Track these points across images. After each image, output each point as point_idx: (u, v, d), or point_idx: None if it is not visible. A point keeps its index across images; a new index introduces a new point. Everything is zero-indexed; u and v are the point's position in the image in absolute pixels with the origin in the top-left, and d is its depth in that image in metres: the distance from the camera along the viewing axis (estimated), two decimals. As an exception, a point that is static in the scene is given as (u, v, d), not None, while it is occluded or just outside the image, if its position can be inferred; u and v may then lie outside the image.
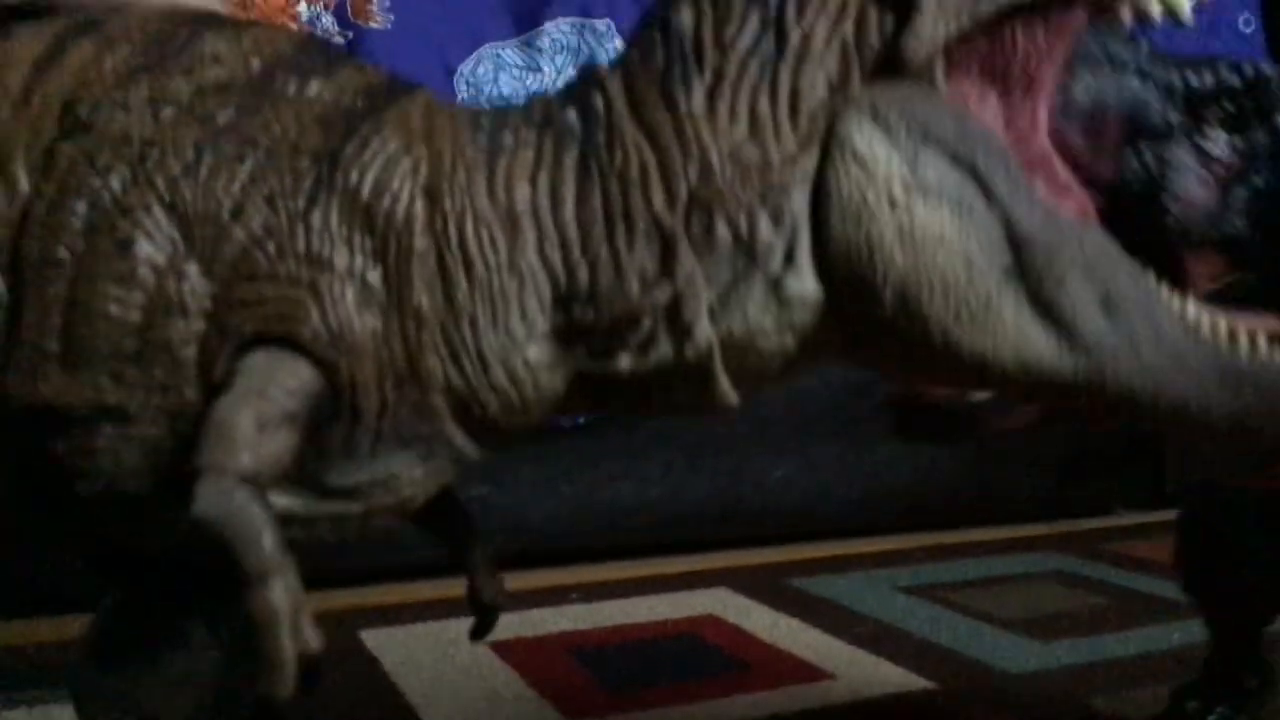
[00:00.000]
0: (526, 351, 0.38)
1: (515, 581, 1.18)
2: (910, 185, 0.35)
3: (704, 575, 1.16)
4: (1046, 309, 0.34)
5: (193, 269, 0.37)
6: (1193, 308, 0.35)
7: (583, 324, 0.38)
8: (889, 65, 0.36)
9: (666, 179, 0.37)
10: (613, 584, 1.13)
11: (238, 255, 0.37)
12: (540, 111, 0.40)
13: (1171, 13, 0.36)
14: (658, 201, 0.37)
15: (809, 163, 0.36)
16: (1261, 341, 0.35)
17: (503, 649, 0.93)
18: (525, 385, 0.39)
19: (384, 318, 0.38)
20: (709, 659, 0.91)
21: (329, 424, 0.38)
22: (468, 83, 1.20)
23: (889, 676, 0.84)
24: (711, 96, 0.37)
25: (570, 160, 0.38)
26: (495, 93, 1.21)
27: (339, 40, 1.18)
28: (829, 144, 0.36)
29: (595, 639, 0.96)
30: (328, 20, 1.21)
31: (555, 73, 1.21)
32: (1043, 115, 0.37)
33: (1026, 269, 0.34)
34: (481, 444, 0.42)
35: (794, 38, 0.37)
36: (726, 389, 0.38)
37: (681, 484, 1.21)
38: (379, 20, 1.20)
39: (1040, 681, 0.84)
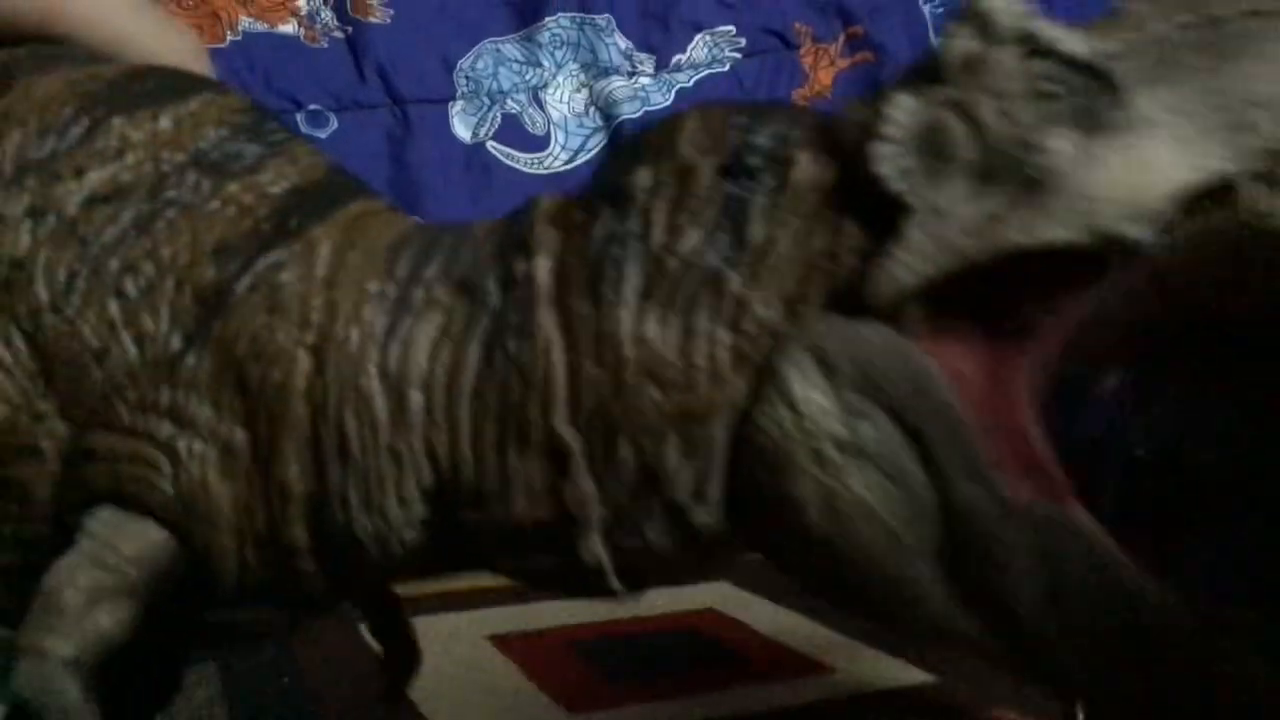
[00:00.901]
0: (403, 535, 0.35)
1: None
2: (845, 446, 0.30)
3: (704, 570, 1.16)
4: (979, 598, 0.29)
5: (50, 410, 0.35)
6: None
7: (464, 521, 0.34)
8: (852, 298, 0.30)
9: (573, 386, 0.32)
10: (612, 578, 1.12)
11: (97, 402, 0.34)
12: (463, 266, 0.34)
13: None
14: (559, 413, 0.32)
15: (737, 392, 0.31)
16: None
17: (502, 642, 0.92)
18: (396, 563, 0.36)
19: (248, 486, 0.35)
20: (709, 652, 0.91)
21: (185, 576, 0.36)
22: (467, 77, 1.21)
23: (891, 670, 0.83)
24: (646, 294, 0.31)
25: (479, 337, 0.33)
26: (495, 86, 1.21)
27: (338, 35, 1.18)
28: (764, 377, 0.30)
29: (595, 632, 0.96)
30: (327, 15, 1.21)
31: (555, 67, 1.22)
32: (1032, 375, 0.30)
33: (961, 554, 0.29)
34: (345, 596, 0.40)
35: (755, 241, 0.31)
36: (616, 586, 0.36)
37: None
38: (378, 14, 1.20)
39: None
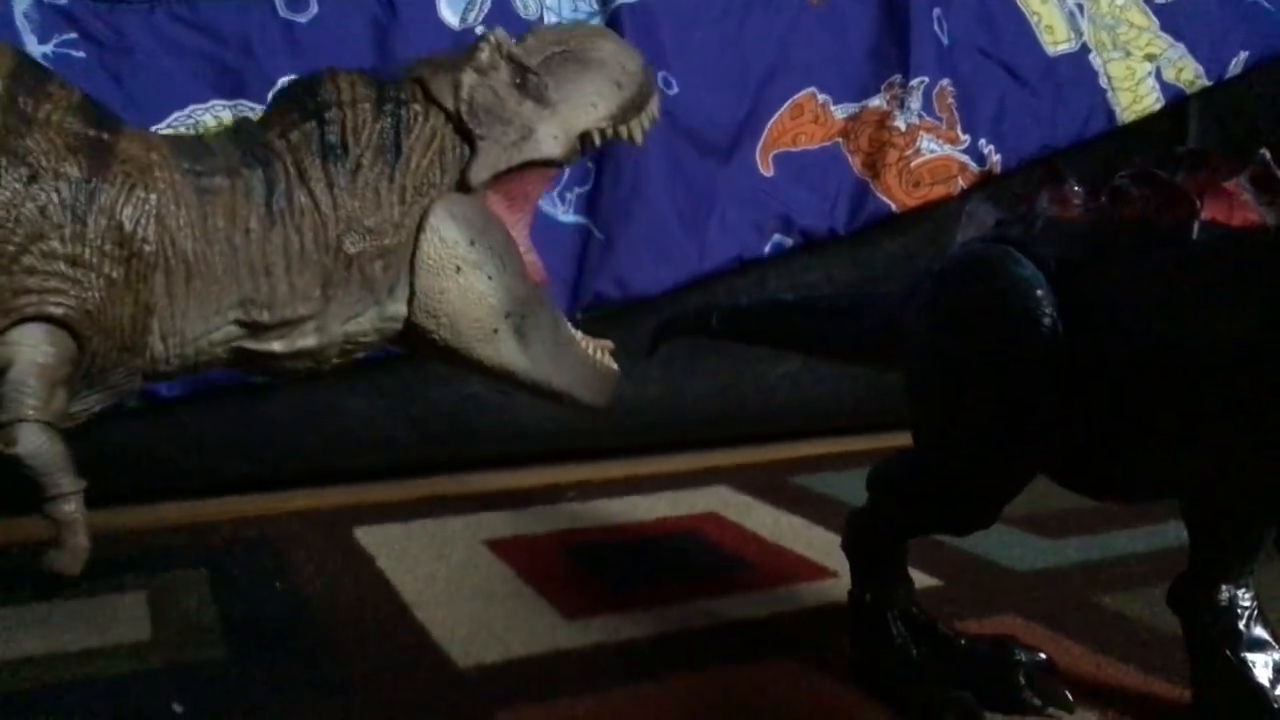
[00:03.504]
0: (214, 334, 0.57)
1: (511, 480, 1.17)
2: (466, 259, 0.60)
3: (704, 473, 1.15)
4: (519, 336, 0.61)
5: None
6: (579, 336, 0.64)
7: (257, 320, 0.57)
8: (459, 182, 0.61)
9: (324, 233, 0.57)
10: (611, 483, 1.11)
11: (19, 252, 0.51)
12: (225, 163, 0.57)
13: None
14: (320, 249, 0.57)
15: (408, 234, 0.59)
16: (607, 357, 0.67)
17: (499, 547, 0.91)
18: (204, 354, 0.57)
19: (123, 306, 0.54)
20: (709, 557, 0.89)
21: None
22: None
23: (893, 574, 0.82)
24: (354, 177, 0.58)
25: (258, 209, 0.57)
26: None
27: None
28: (424, 223, 0.59)
29: (593, 537, 0.95)
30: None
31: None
32: (527, 220, 0.65)
33: (514, 314, 0.61)
34: (149, 385, 0.61)
35: (404, 150, 0.59)
36: (327, 366, 0.59)
37: (681, 382, 1.19)
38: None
39: (1048, 579, 0.83)
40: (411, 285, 0.59)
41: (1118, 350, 0.51)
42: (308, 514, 1.02)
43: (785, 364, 1.22)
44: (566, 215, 1.12)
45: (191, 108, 1.03)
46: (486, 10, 1.11)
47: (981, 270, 0.57)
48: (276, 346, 0.58)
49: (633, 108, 0.68)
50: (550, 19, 1.12)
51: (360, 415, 1.08)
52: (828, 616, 0.75)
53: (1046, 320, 0.53)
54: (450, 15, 1.10)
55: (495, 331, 0.60)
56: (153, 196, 0.55)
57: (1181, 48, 1.37)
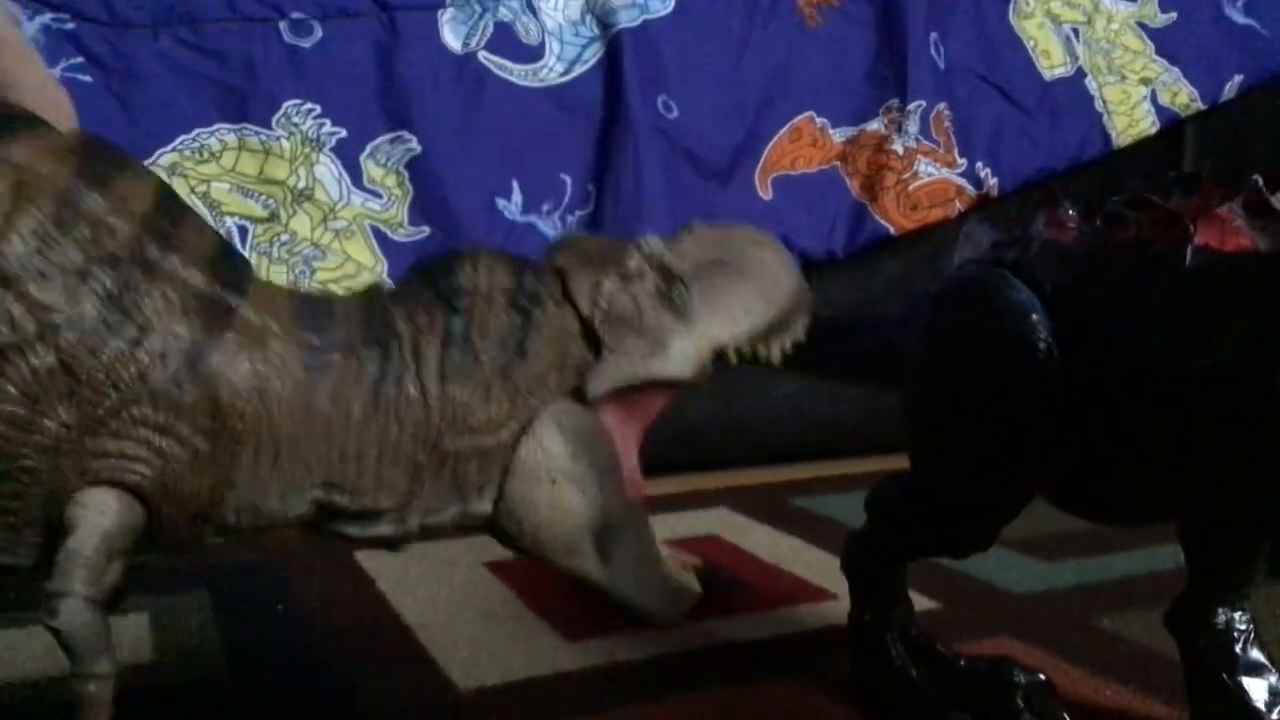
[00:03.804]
0: (290, 515, 0.53)
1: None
2: (564, 471, 0.55)
3: (704, 495, 1.15)
4: (604, 556, 0.57)
5: (71, 419, 0.48)
6: (665, 552, 0.60)
7: (338, 505, 0.54)
8: (576, 389, 0.56)
9: (426, 426, 0.53)
10: (611, 503, 1.11)
11: (107, 414, 0.49)
12: (345, 337, 0.54)
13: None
14: (417, 441, 0.54)
15: (510, 436, 0.55)
16: (690, 576, 0.61)
17: (499, 569, 0.91)
18: (278, 531, 0.54)
19: (202, 479, 0.51)
20: (709, 578, 0.89)
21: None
22: None
23: (892, 596, 0.83)
24: (469, 371, 0.54)
25: (366, 389, 0.53)
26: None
27: None
28: (528, 429, 0.55)
29: (593, 558, 0.95)
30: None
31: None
32: (639, 436, 0.61)
33: (603, 535, 0.57)
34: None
35: (528, 350, 0.55)
36: (399, 549, 0.57)
37: (682, 403, 1.19)
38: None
39: (1045, 601, 0.83)
40: (501, 487, 0.55)
41: (1112, 373, 0.52)
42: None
43: (785, 385, 1.23)
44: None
45: (196, 131, 1.04)
46: (489, 35, 1.12)
47: (977, 294, 0.58)
48: (351, 530, 0.55)
49: (779, 327, 0.62)
50: (553, 45, 1.14)
51: (361, 436, 1.09)
52: (827, 638, 0.76)
53: (1041, 344, 0.54)
54: (453, 40, 1.12)
55: (578, 548, 0.56)
56: (259, 368, 0.52)
57: (1176, 72, 1.38)
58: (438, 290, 0.56)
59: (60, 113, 0.58)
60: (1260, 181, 0.50)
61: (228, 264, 0.53)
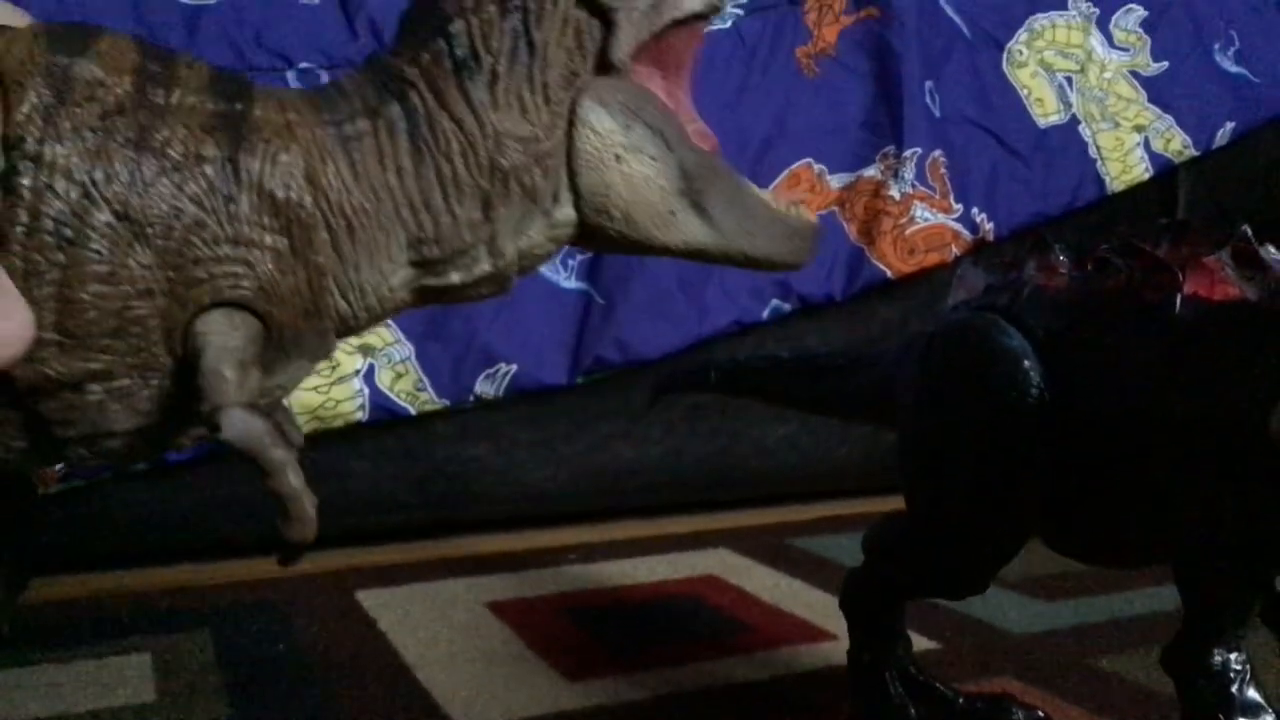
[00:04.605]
0: (391, 280, 0.54)
1: (512, 542, 1.18)
2: (625, 145, 0.54)
3: (704, 536, 1.16)
4: (700, 211, 0.55)
5: (150, 259, 0.49)
6: (768, 196, 0.57)
7: (429, 257, 0.54)
8: (601, 63, 0.55)
9: (475, 154, 0.53)
10: (611, 545, 1.12)
11: (182, 245, 0.50)
12: (364, 105, 0.54)
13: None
14: (473, 171, 0.54)
15: (560, 133, 0.54)
16: (801, 209, 0.58)
17: (500, 609, 0.92)
18: (388, 302, 0.55)
19: (294, 274, 0.52)
20: (709, 620, 0.90)
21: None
22: None
23: (891, 637, 0.83)
24: (492, 90, 0.53)
25: (404, 144, 0.54)
26: None
27: None
28: (573, 119, 0.54)
29: (593, 600, 0.96)
30: (319, -30, 1.17)
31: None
32: (686, 85, 0.59)
33: (690, 189, 0.55)
34: (342, 340, 0.58)
35: (538, 45, 0.54)
36: (512, 284, 0.56)
37: (681, 444, 1.20)
38: (371, -31, 1.17)
39: (1044, 641, 0.84)
40: (575, 186, 0.55)
41: (1104, 421, 0.53)
42: (311, 576, 1.02)
43: (784, 426, 1.24)
44: (569, 281, 1.14)
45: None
46: None
47: (970, 340, 0.59)
48: (455, 278, 0.55)
49: None
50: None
51: (363, 477, 1.10)
52: (828, 679, 0.76)
53: (1034, 390, 0.55)
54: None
55: (673, 213, 0.55)
56: (298, 158, 0.53)
57: (1169, 119, 1.40)
58: (429, 27, 0.56)
59: (17, 18, 0.60)
60: (1249, 231, 0.52)
61: (226, 82, 0.55)
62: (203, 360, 0.50)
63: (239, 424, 0.49)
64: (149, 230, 0.50)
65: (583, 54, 0.55)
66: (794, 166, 1.23)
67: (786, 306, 1.20)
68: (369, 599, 0.95)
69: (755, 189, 0.57)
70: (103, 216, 0.49)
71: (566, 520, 1.19)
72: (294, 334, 0.53)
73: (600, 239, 0.57)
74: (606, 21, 0.55)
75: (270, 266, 0.52)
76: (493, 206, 0.54)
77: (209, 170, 0.51)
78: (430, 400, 1.07)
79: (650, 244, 0.56)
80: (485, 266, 0.55)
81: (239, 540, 1.08)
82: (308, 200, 0.52)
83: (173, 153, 0.50)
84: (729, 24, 1.26)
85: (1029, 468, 0.55)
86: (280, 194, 0.52)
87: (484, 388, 1.09)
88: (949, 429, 0.58)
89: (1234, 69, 1.44)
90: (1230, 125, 1.42)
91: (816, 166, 1.25)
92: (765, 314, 1.20)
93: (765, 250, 0.57)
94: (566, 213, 0.55)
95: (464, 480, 1.12)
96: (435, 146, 0.54)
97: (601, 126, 0.54)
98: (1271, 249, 0.47)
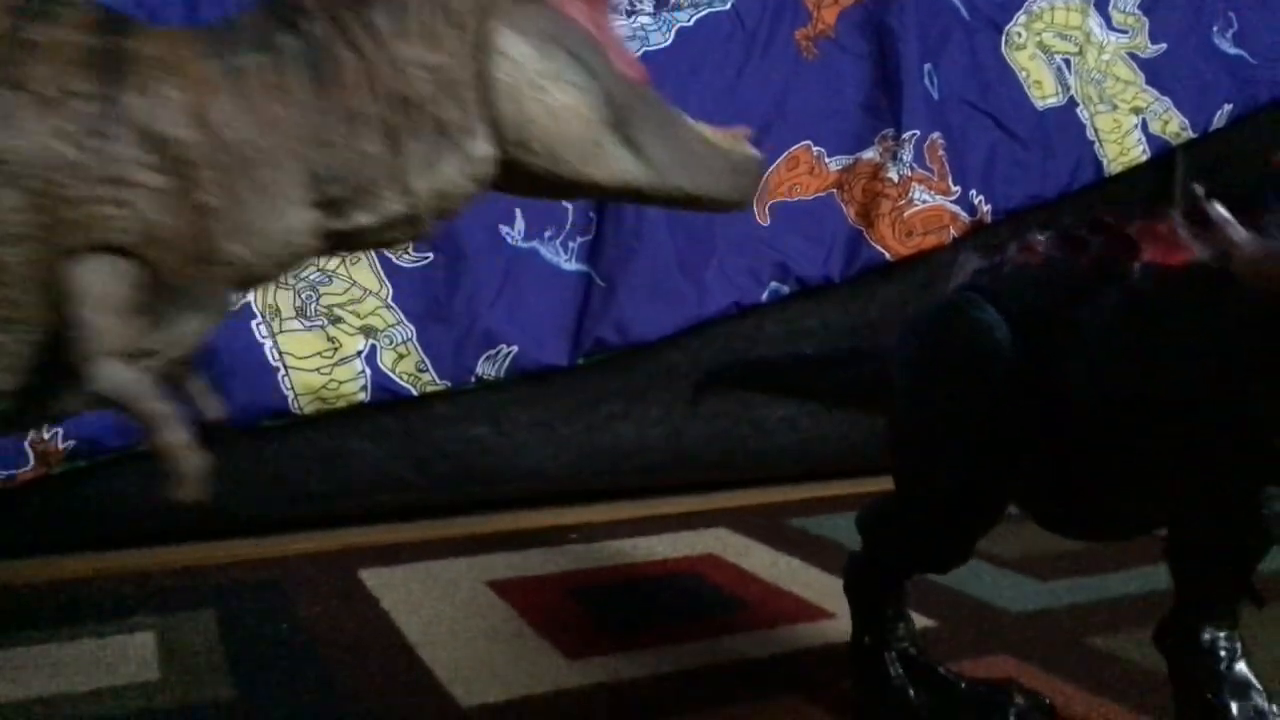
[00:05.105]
0: (291, 222, 0.50)
1: (514, 522, 1.19)
2: (545, 73, 0.51)
3: (704, 515, 1.16)
4: (630, 144, 0.52)
5: (17, 201, 0.46)
6: (707, 130, 0.55)
7: (332, 195, 0.51)
8: None
9: (379, 85, 0.50)
10: (612, 524, 1.13)
11: (53, 186, 0.47)
12: (256, 37, 0.51)
13: None
14: (378, 103, 0.50)
15: (474, 62, 0.51)
16: (742, 143, 0.56)
17: (502, 588, 0.93)
18: (291, 248, 0.51)
19: (180, 216, 0.48)
20: (709, 598, 0.91)
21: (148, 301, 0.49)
22: None
23: (888, 615, 0.84)
24: (399, 18, 0.50)
25: (300, 76, 0.50)
26: None
27: None
28: (486, 47, 0.50)
29: (595, 578, 0.96)
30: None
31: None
32: (609, 10, 0.55)
33: (618, 120, 0.52)
34: (245, 293, 0.56)
35: None
36: (429, 228, 0.53)
37: (681, 425, 1.21)
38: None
39: (1040, 620, 0.84)
40: (493, 119, 0.51)
41: (1079, 392, 0.54)
42: (314, 556, 1.03)
43: (783, 407, 1.24)
44: (569, 264, 1.15)
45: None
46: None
47: (946, 316, 0.60)
48: (363, 220, 0.52)
49: None
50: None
51: (365, 458, 1.10)
52: (826, 657, 0.77)
53: (1006, 361, 0.56)
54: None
55: (599, 145, 0.51)
56: (182, 94, 0.49)
57: (1167, 101, 1.40)
58: None
59: None
60: (1200, 190, 0.51)
61: (110, 20, 0.52)
62: (74, 308, 0.47)
63: (112, 375, 0.46)
64: (16, 169, 0.47)
65: None
66: (793, 148, 1.23)
67: (785, 289, 1.21)
68: (371, 578, 0.96)
69: (691, 121, 0.54)
70: None
71: (567, 500, 1.19)
72: (183, 281, 0.50)
73: (524, 177, 0.53)
74: None
75: (152, 207, 0.48)
76: (399, 140, 0.50)
77: (84, 107, 0.47)
78: (432, 381, 1.08)
79: (578, 181, 0.52)
80: (396, 206, 0.52)
81: (242, 520, 1.09)
82: (193, 137, 0.49)
83: (44, 90, 0.47)
84: (728, 6, 1.26)
85: (1005, 437, 0.56)
86: (163, 131, 0.48)
87: (485, 369, 1.10)
88: (927, 401, 0.59)
89: (1232, 50, 1.44)
90: (1228, 107, 1.42)
91: (815, 149, 1.25)
92: (764, 296, 1.20)
93: (705, 187, 0.53)
94: (484, 148, 0.52)
95: (465, 460, 1.13)
96: (337, 78, 0.50)
97: (518, 54, 0.51)
98: (1218, 205, 0.47)
